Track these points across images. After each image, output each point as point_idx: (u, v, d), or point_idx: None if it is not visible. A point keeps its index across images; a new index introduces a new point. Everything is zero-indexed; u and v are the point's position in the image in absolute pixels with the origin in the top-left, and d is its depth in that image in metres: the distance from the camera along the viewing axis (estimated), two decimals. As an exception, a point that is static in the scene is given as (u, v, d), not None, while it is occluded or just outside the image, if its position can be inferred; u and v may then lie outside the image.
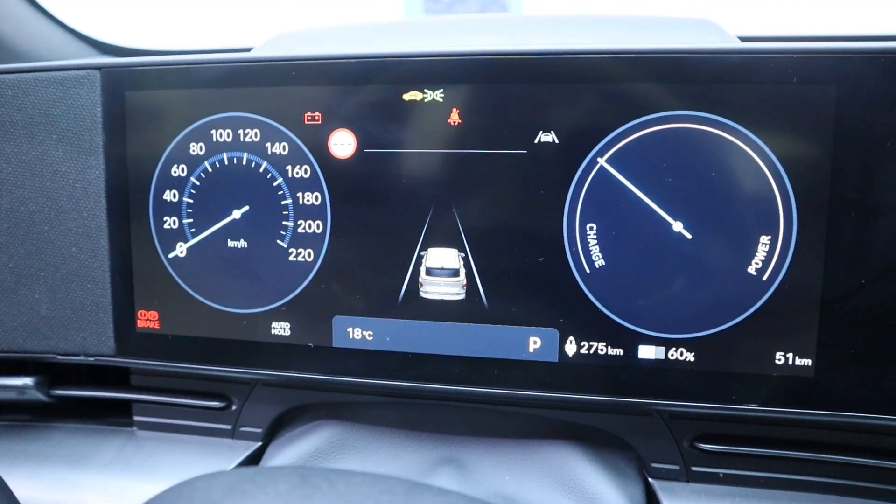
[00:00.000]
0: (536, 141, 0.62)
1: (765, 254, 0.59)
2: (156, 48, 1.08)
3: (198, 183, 0.69)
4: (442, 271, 0.65)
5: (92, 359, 0.74)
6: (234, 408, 0.78)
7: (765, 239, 0.59)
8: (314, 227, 0.67)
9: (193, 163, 0.69)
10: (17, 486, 0.57)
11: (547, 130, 0.62)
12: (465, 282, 0.65)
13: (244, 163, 0.68)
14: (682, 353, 0.62)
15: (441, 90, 0.63)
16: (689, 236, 0.61)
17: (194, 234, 0.70)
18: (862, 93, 0.56)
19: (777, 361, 0.60)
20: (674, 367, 0.62)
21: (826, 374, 0.60)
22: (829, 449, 0.65)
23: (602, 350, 0.63)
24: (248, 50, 0.74)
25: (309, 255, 0.68)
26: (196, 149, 0.69)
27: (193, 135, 0.69)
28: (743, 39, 0.67)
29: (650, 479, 0.69)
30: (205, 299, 0.71)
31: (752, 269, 0.60)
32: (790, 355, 0.60)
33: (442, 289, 0.65)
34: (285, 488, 0.40)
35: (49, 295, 0.73)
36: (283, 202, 0.68)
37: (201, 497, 0.41)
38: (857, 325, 0.59)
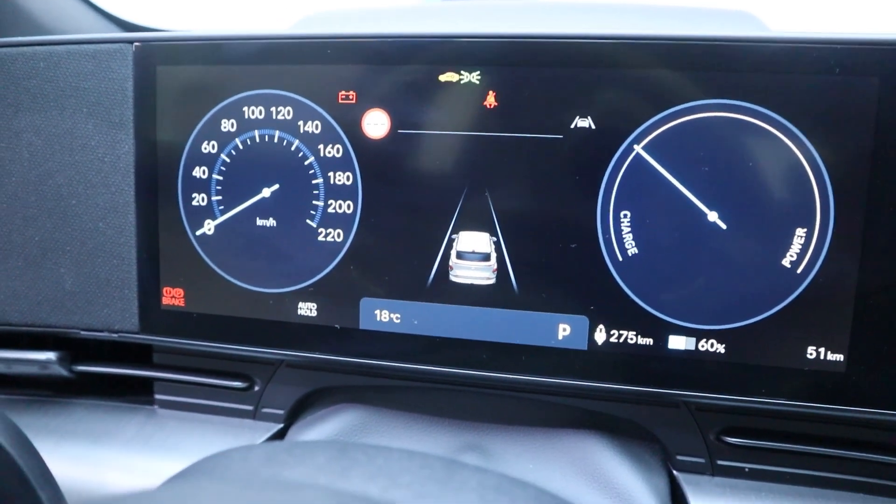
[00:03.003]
0: (573, 126, 0.61)
1: (800, 246, 0.59)
2: (184, 30, 1.08)
3: (228, 160, 0.69)
4: (473, 255, 0.64)
5: (116, 335, 0.74)
6: (256, 388, 0.77)
7: (800, 231, 0.59)
8: (344, 207, 0.67)
9: (224, 139, 0.69)
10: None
11: (584, 115, 0.61)
12: (495, 266, 0.64)
13: (276, 141, 0.67)
14: (712, 345, 0.61)
15: (478, 72, 0.62)
16: (723, 227, 0.60)
17: (223, 212, 0.70)
18: (906, 85, 0.55)
19: (808, 356, 0.60)
20: (704, 358, 0.62)
21: (858, 370, 0.59)
22: (859, 446, 0.64)
23: (632, 339, 0.63)
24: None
25: (338, 235, 0.67)
26: (227, 125, 0.68)
27: (225, 111, 0.68)
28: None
29: (675, 472, 0.69)
30: (231, 278, 0.70)
31: (786, 262, 0.59)
32: (822, 350, 0.60)
33: (472, 273, 0.65)
34: (324, 460, 0.40)
35: (74, 269, 0.73)
36: (313, 181, 0.67)
37: (238, 466, 0.40)
38: (892, 320, 0.58)
